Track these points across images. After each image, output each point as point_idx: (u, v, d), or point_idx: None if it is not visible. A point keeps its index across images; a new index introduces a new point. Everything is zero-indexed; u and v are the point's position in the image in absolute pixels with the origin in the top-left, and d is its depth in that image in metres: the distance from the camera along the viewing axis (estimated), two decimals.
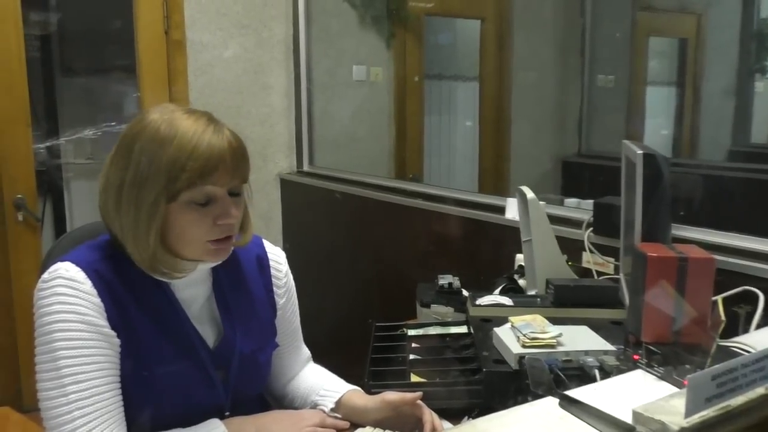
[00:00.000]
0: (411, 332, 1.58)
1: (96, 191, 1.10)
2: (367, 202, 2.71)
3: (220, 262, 1.13)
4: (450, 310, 1.66)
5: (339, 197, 2.88)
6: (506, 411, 0.97)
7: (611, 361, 1.18)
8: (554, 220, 1.84)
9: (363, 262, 2.77)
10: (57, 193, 3.35)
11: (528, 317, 1.33)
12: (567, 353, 1.22)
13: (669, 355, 1.11)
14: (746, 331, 1.44)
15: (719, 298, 1.33)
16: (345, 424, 1.20)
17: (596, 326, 1.37)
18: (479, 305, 1.54)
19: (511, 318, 1.33)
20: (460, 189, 2.67)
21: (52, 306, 1.02)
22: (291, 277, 1.30)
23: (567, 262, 1.72)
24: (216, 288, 1.17)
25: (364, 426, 1.20)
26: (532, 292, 1.70)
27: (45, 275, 1.05)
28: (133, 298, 1.08)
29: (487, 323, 1.44)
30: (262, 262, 1.25)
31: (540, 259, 1.66)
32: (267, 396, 1.35)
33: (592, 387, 1.04)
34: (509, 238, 1.96)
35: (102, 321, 1.03)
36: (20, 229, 2.57)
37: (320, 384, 1.30)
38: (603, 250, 1.80)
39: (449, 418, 1.22)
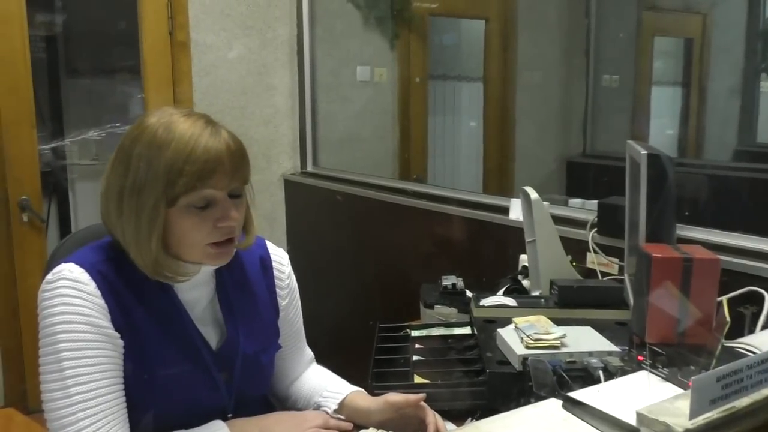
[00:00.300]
0: (414, 333, 1.57)
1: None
2: (371, 202, 2.70)
3: (223, 265, 1.13)
4: (454, 311, 1.66)
5: (340, 199, 2.88)
6: (509, 413, 0.97)
7: (615, 362, 1.18)
8: (558, 220, 1.84)
9: (367, 262, 2.77)
10: (62, 194, 3.36)
11: (532, 318, 1.33)
12: (571, 354, 1.22)
13: (674, 356, 1.11)
14: (752, 331, 1.43)
15: (724, 298, 1.33)
16: (348, 426, 1.20)
17: (600, 327, 1.37)
18: (483, 306, 1.54)
19: (514, 319, 1.33)
20: (464, 190, 2.67)
21: (56, 307, 1.02)
22: (294, 278, 1.29)
23: (571, 262, 1.71)
24: (219, 290, 1.17)
25: (367, 427, 1.19)
26: (536, 293, 1.69)
27: (49, 276, 1.05)
28: (137, 300, 1.07)
29: (490, 324, 1.43)
30: (265, 263, 1.25)
31: (544, 260, 1.66)
32: (270, 397, 1.35)
33: (595, 388, 1.03)
34: (513, 238, 1.95)
35: (106, 322, 1.03)
36: (25, 230, 2.57)
37: (323, 385, 1.29)
38: (607, 250, 1.80)
39: (453, 419, 1.22)
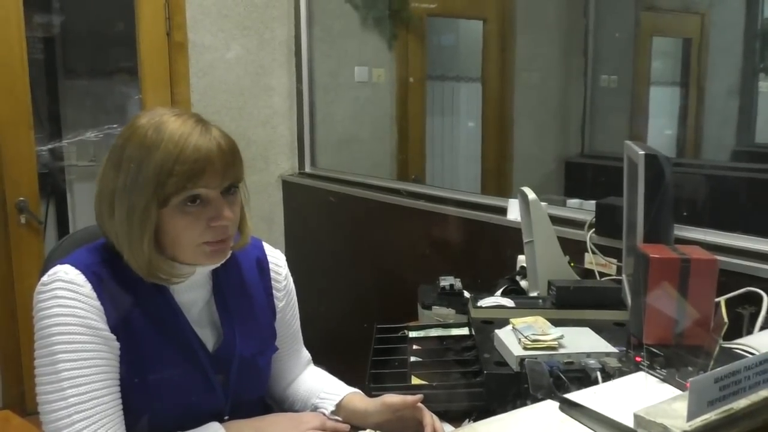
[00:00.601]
0: (412, 334, 1.57)
1: None
2: (370, 203, 2.70)
3: (218, 265, 1.12)
4: (451, 311, 1.66)
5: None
6: (506, 414, 0.96)
7: (613, 363, 1.17)
8: (556, 221, 1.83)
9: (365, 263, 2.77)
10: (60, 195, 3.35)
11: (529, 319, 1.32)
12: (569, 355, 1.21)
13: (671, 357, 1.10)
14: (750, 332, 1.43)
15: (722, 299, 1.33)
16: (345, 427, 1.19)
17: (598, 328, 1.37)
18: (481, 307, 1.53)
19: (512, 320, 1.33)
20: (462, 190, 2.66)
21: (51, 309, 1.01)
22: (291, 279, 1.29)
23: (569, 263, 1.71)
24: (216, 291, 1.17)
25: (364, 429, 1.19)
26: (534, 294, 1.69)
27: (44, 278, 1.05)
28: (133, 302, 1.07)
29: (488, 325, 1.43)
30: (262, 264, 1.24)
31: (542, 261, 1.65)
32: (267, 399, 1.34)
33: (592, 390, 1.03)
34: (511, 239, 1.95)
35: (101, 324, 1.03)
36: (23, 232, 2.57)
37: (320, 387, 1.29)
38: (605, 251, 1.79)
39: (450, 421, 1.22)
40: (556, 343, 1.24)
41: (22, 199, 2.54)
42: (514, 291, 1.74)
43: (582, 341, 1.28)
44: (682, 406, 0.78)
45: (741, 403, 0.82)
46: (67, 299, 1.02)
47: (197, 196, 1.03)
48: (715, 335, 1.03)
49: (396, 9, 3.36)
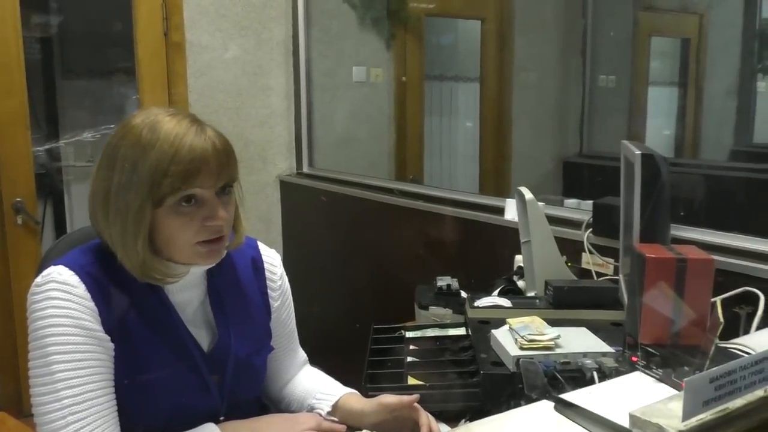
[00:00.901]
0: (409, 334, 1.57)
1: None
2: (367, 203, 2.70)
3: (213, 265, 1.12)
4: (448, 311, 1.65)
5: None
6: (502, 414, 0.96)
7: (610, 363, 1.17)
8: (553, 220, 1.83)
9: (362, 263, 2.76)
10: (57, 195, 3.35)
11: (526, 319, 1.32)
12: (565, 355, 1.21)
13: (668, 357, 1.10)
14: (747, 332, 1.42)
15: (719, 299, 1.33)
16: (342, 428, 1.18)
17: (595, 328, 1.36)
18: (478, 307, 1.53)
19: (509, 320, 1.32)
20: (460, 190, 2.66)
21: (45, 310, 1.01)
22: (286, 279, 1.29)
23: (566, 263, 1.71)
24: (211, 291, 1.16)
25: (361, 429, 1.19)
26: (531, 294, 1.69)
27: (38, 279, 1.04)
28: (127, 302, 1.07)
29: (485, 325, 1.43)
30: (257, 264, 1.24)
31: (539, 261, 1.65)
32: (264, 399, 1.34)
33: (587, 390, 1.03)
34: (508, 239, 1.95)
35: (96, 325, 1.03)
36: (20, 233, 2.56)
37: (316, 387, 1.29)
38: (602, 251, 1.79)
39: (447, 421, 1.21)
40: (552, 343, 1.23)
41: (18, 199, 2.54)
42: (511, 291, 1.73)
43: (579, 341, 1.28)
44: (677, 406, 0.78)
45: (736, 402, 0.82)
46: (61, 300, 1.01)
47: (192, 196, 1.03)
48: (711, 335, 1.02)
49: (394, 9, 3.35)
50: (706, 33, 3.65)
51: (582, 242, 1.83)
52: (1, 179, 2.51)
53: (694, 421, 0.78)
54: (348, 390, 1.27)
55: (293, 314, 1.31)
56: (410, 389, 1.26)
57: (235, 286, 1.19)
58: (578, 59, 3.72)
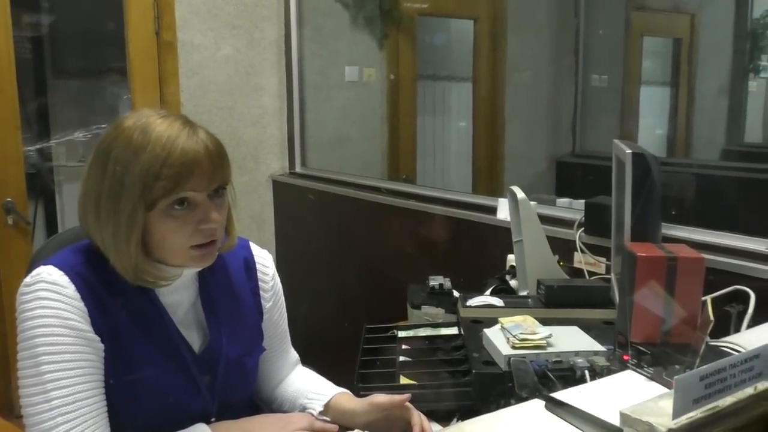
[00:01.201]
0: (401, 334, 1.56)
1: None
2: (360, 203, 2.70)
3: (205, 267, 1.11)
4: (441, 311, 1.65)
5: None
6: (493, 414, 0.96)
7: (601, 361, 1.17)
8: (545, 220, 1.84)
9: (355, 263, 2.76)
10: (48, 195, 3.33)
11: (518, 318, 1.32)
12: (557, 354, 1.21)
13: (659, 356, 1.10)
14: (738, 330, 1.43)
15: (709, 297, 1.33)
16: (334, 428, 1.18)
17: (587, 327, 1.37)
18: (470, 306, 1.53)
19: (501, 319, 1.32)
20: (452, 190, 2.66)
21: (34, 310, 1.01)
22: (278, 280, 1.28)
23: (558, 262, 1.71)
24: (202, 292, 1.16)
25: (353, 429, 1.19)
26: (524, 293, 1.69)
27: (27, 279, 1.04)
28: (118, 303, 1.06)
29: (477, 324, 1.43)
30: (249, 265, 1.24)
31: (531, 260, 1.65)
32: (256, 400, 1.33)
33: (578, 389, 1.03)
34: (501, 238, 1.95)
35: (85, 326, 1.02)
36: (10, 233, 2.55)
37: (308, 387, 1.28)
38: (594, 250, 1.79)
39: (439, 420, 1.21)
40: (544, 342, 1.23)
41: (9, 199, 2.52)
42: (503, 290, 1.73)
43: (570, 340, 1.28)
44: (668, 404, 0.78)
45: (727, 400, 0.82)
46: (50, 300, 1.01)
47: (185, 199, 1.02)
48: (701, 333, 1.03)
49: (386, 8, 3.35)
50: (697, 33, 3.67)
51: (574, 241, 1.83)
52: None
53: (684, 419, 0.78)
54: (340, 390, 1.27)
55: (285, 315, 1.31)
56: (402, 389, 1.26)
57: (226, 287, 1.19)
58: (571, 59, 3.73)
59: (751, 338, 1.29)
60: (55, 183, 3.34)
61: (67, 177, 3.35)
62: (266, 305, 1.25)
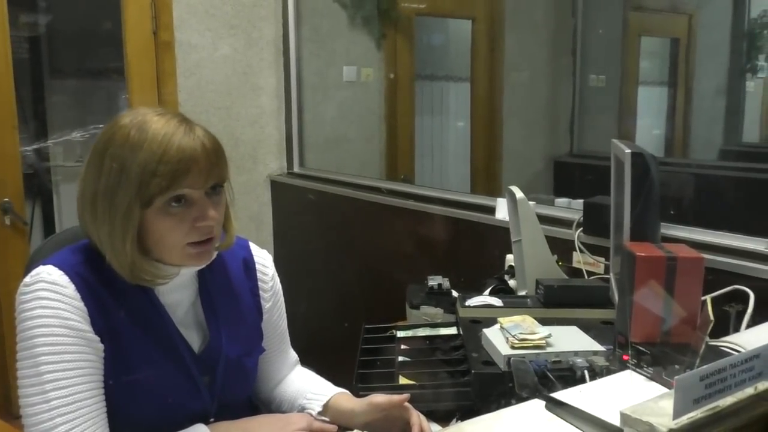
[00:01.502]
0: (400, 334, 1.56)
1: None
2: (358, 203, 2.69)
3: (204, 266, 1.11)
4: (440, 311, 1.65)
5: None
6: (493, 414, 0.96)
7: (601, 361, 1.17)
8: (544, 220, 1.84)
9: (354, 263, 2.76)
10: (46, 196, 3.33)
11: (517, 318, 1.32)
12: (556, 354, 1.21)
13: (658, 356, 1.10)
14: (737, 330, 1.43)
15: (709, 297, 1.33)
16: (333, 428, 1.18)
17: (586, 326, 1.37)
18: (469, 306, 1.53)
19: (500, 319, 1.32)
20: (450, 190, 2.66)
21: (33, 310, 1.00)
22: (278, 280, 1.28)
23: (557, 262, 1.71)
24: (202, 292, 1.16)
25: (352, 429, 1.19)
26: (522, 293, 1.69)
27: (27, 279, 1.03)
28: (117, 303, 1.06)
29: (476, 324, 1.43)
30: (249, 265, 1.23)
31: (530, 260, 1.65)
32: (255, 400, 1.33)
33: (578, 389, 1.03)
34: (499, 238, 1.95)
35: (85, 326, 1.02)
36: (8, 233, 2.54)
37: (307, 387, 1.28)
38: (593, 249, 1.79)
39: (438, 420, 1.21)
40: (543, 342, 1.23)
41: (6, 200, 2.52)
42: (502, 290, 1.73)
43: (570, 340, 1.28)
44: (668, 404, 0.78)
45: (727, 400, 0.82)
46: (50, 300, 1.00)
47: (181, 197, 1.02)
48: (701, 333, 1.03)
49: (384, 8, 3.35)
50: (695, 33, 3.68)
51: (573, 241, 1.83)
52: None
53: (684, 419, 0.78)
54: (339, 390, 1.27)
55: (284, 315, 1.31)
56: (401, 389, 1.26)
57: (226, 287, 1.18)
58: (569, 59, 3.73)
59: (750, 338, 1.29)
60: (52, 183, 3.34)
61: (65, 177, 3.35)
62: (266, 305, 1.24)
